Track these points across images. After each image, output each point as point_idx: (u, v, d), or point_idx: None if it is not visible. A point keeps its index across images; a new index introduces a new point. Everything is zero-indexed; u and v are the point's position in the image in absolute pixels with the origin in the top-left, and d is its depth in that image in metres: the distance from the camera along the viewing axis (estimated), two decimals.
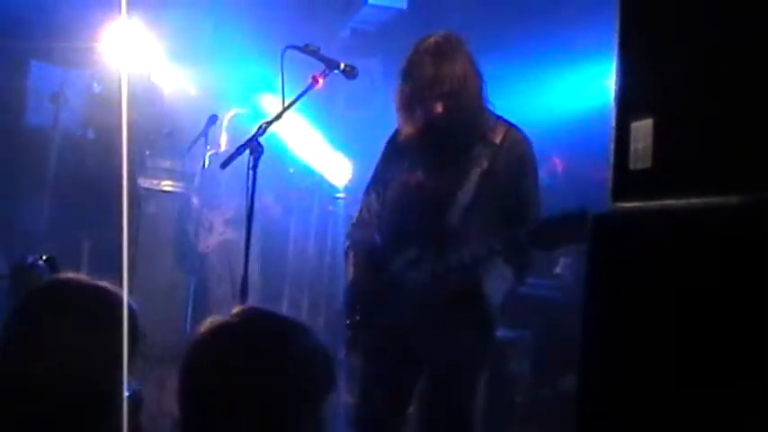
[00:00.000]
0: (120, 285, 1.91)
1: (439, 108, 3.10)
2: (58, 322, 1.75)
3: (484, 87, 3.21)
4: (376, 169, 3.49)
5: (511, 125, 3.26)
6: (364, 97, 7.34)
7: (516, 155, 3.21)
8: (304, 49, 3.65)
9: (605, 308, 1.43)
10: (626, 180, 1.49)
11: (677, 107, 1.42)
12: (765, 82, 1.26)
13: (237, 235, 6.34)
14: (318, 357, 1.63)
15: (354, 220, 3.51)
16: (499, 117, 3.27)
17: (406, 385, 3.28)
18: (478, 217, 3.13)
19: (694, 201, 1.32)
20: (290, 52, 3.64)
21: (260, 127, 3.45)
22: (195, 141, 5.73)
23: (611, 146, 1.55)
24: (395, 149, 3.39)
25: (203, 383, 1.58)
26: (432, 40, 3.17)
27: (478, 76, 3.19)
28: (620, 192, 1.50)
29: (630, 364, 1.40)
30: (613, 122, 1.55)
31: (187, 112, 7.10)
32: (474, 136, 3.20)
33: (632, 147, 1.48)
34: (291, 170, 6.84)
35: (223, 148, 6.43)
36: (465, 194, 3.14)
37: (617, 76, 1.56)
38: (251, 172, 3.38)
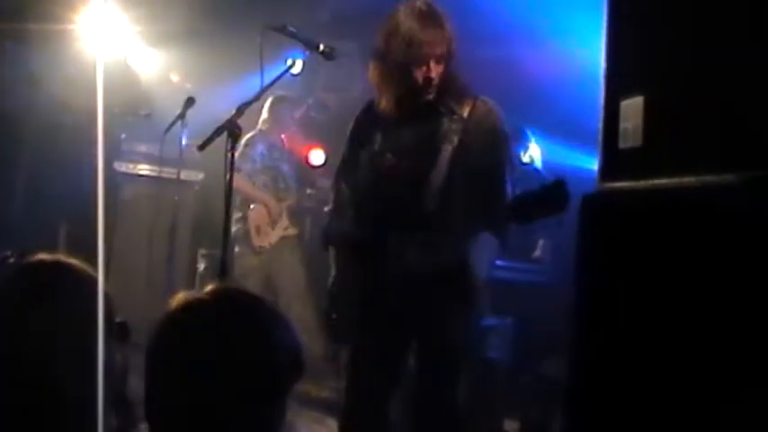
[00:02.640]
0: (97, 271, 1.88)
1: (435, 70, 3.05)
2: (33, 303, 1.72)
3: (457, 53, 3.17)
4: (344, 154, 3.41)
5: (477, 96, 3.20)
6: (343, 81, 7.30)
7: (486, 127, 3.15)
8: (282, 30, 3.60)
9: (596, 291, 1.40)
10: (615, 159, 1.46)
11: (668, 84, 1.40)
12: (758, 59, 1.23)
13: (297, 230, 6.32)
14: (287, 343, 1.60)
15: (329, 210, 3.45)
16: (465, 85, 3.21)
17: (393, 366, 3.26)
18: (455, 196, 3.07)
19: (687, 179, 1.29)
20: (269, 33, 3.59)
21: (237, 108, 3.40)
22: (173, 124, 5.64)
23: (600, 125, 1.51)
24: (362, 131, 3.32)
25: (168, 357, 1.55)
26: (415, 5, 3.11)
27: (456, 40, 3.15)
28: (609, 171, 1.47)
29: (622, 344, 1.38)
30: (602, 101, 1.52)
31: (165, 94, 7.03)
32: (445, 110, 3.14)
33: (622, 125, 1.46)
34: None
35: (261, 129, 6.35)
36: (438, 174, 3.08)
37: (606, 52, 1.53)
38: (228, 154, 3.33)
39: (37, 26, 6.80)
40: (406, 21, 3.07)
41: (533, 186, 3.01)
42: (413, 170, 3.12)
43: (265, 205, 6.32)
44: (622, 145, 1.44)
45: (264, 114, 6.40)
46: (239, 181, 5.76)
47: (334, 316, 3.26)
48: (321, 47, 3.58)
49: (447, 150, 3.09)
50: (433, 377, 3.17)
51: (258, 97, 3.49)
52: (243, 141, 6.29)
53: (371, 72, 3.21)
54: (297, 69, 3.76)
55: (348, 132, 3.40)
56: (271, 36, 3.65)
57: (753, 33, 1.25)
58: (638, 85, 1.45)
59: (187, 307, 1.58)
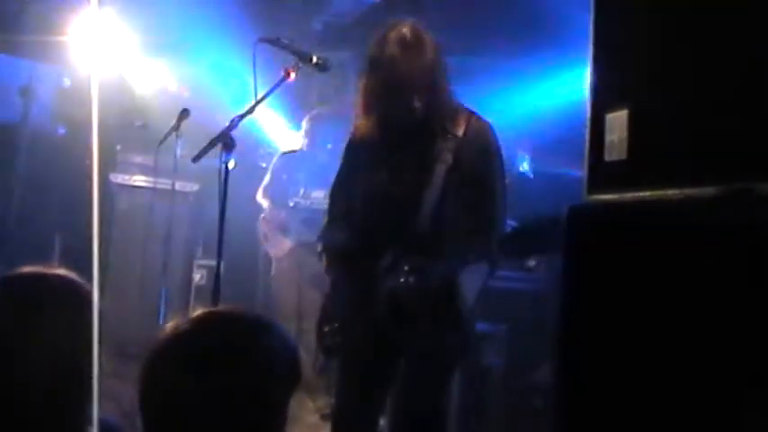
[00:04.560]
0: (92, 282, 1.89)
1: (415, 103, 3.01)
2: (21, 316, 1.73)
3: (448, 75, 3.13)
4: (340, 168, 3.40)
5: (472, 113, 3.15)
6: (337, 91, 7.32)
7: (480, 146, 3.11)
8: (275, 43, 3.62)
9: (581, 301, 1.42)
10: (601, 172, 1.48)
11: (652, 98, 1.42)
12: (740, 73, 1.25)
13: (314, 236, 6.30)
14: (281, 357, 1.61)
15: (325, 221, 3.43)
16: (459, 104, 3.16)
17: (380, 382, 3.23)
18: (447, 218, 3.03)
19: (671, 192, 1.31)
20: (262, 45, 3.62)
21: (232, 121, 3.42)
22: (167, 135, 5.67)
23: (586, 137, 1.54)
24: (357, 147, 3.29)
25: (160, 395, 1.56)
26: (400, 30, 3.05)
27: (444, 64, 3.11)
28: (595, 183, 1.49)
29: (608, 355, 1.40)
30: (588, 114, 1.55)
31: (159, 105, 7.04)
32: (438, 129, 3.09)
33: (607, 138, 1.48)
34: (264, 165, 6.81)
35: (304, 146, 6.46)
36: (431, 195, 3.03)
37: (592, 66, 1.56)
38: (223, 166, 3.34)
39: (31, 38, 6.82)
40: (388, 48, 3.03)
41: (525, 193, 3.03)
42: (406, 190, 3.08)
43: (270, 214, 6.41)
44: (608, 158, 1.46)
45: (302, 133, 6.47)
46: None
47: (326, 329, 3.24)
48: (314, 59, 3.60)
49: (440, 170, 3.05)
50: (418, 396, 3.15)
51: (252, 109, 3.50)
52: (275, 158, 6.44)
53: (360, 90, 3.17)
54: (291, 80, 3.78)
55: (347, 142, 3.37)
56: (264, 47, 3.67)
57: (734, 49, 1.27)
58: (623, 98, 1.47)
59: (174, 337, 1.58)
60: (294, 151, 6.53)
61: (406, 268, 2.99)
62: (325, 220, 3.46)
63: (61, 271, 1.87)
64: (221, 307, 2.07)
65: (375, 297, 3.04)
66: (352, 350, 3.21)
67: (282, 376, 1.60)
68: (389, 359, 3.21)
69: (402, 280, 2.99)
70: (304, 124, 6.47)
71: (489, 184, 3.10)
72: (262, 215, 6.47)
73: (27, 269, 1.87)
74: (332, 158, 6.41)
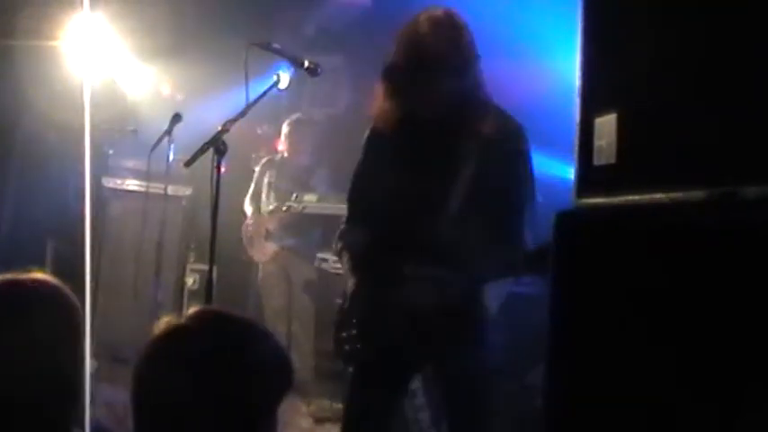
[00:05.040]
0: (84, 287, 1.89)
1: (444, 86, 2.84)
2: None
3: (480, 66, 2.93)
4: (361, 163, 3.19)
5: (503, 112, 2.95)
6: (329, 95, 7.34)
7: (509, 151, 2.92)
8: (267, 47, 3.64)
9: (570, 304, 1.43)
10: (590, 176, 1.49)
11: (641, 102, 1.43)
12: (728, 77, 1.26)
13: (295, 242, 6.32)
14: (273, 361, 1.62)
15: (344, 219, 3.25)
16: (490, 101, 2.95)
17: (394, 390, 3.17)
18: (471, 224, 2.86)
19: (658, 196, 1.32)
20: (254, 50, 3.63)
21: (223, 125, 3.43)
22: (160, 140, 5.68)
23: (575, 141, 1.55)
24: (377, 140, 3.09)
25: (155, 388, 1.56)
26: (434, 12, 2.88)
27: (477, 53, 2.92)
28: (584, 187, 1.50)
29: (598, 359, 1.41)
30: (577, 118, 1.56)
31: (151, 110, 7.05)
32: (465, 125, 2.90)
33: (596, 143, 1.49)
34: (255, 169, 6.83)
35: (285, 151, 6.53)
36: (455, 201, 2.88)
37: (580, 70, 1.56)
38: (215, 170, 3.35)
39: (23, 43, 6.81)
40: (418, 27, 2.86)
41: None
42: (428, 195, 2.93)
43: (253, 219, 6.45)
44: (597, 162, 1.47)
45: (282, 139, 6.51)
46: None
47: (344, 335, 3.07)
48: (306, 63, 3.61)
49: (465, 175, 2.89)
50: (468, 408, 3.06)
51: (244, 114, 3.51)
52: (258, 166, 6.50)
53: (386, 75, 2.95)
54: (283, 85, 3.79)
55: (366, 137, 3.18)
56: (256, 52, 3.68)
57: (722, 54, 1.28)
58: (611, 102, 1.48)
59: (170, 333, 1.59)
60: (275, 157, 6.58)
61: (426, 279, 2.86)
62: (343, 219, 3.26)
63: (38, 275, 1.85)
64: (216, 306, 2.07)
65: (395, 306, 2.92)
66: (369, 357, 3.06)
67: (275, 380, 1.61)
68: (405, 369, 3.15)
69: (423, 292, 2.86)
70: (284, 129, 6.51)
71: (516, 193, 2.94)
72: (246, 222, 6.51)
73: (1, 276, 1.85)
74: (312, 163, 6.47)
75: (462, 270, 2.84)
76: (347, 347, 3.07)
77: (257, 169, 6.62)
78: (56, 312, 1.77)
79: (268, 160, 6.64)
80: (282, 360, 1.65)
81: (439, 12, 2.90)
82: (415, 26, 2.89)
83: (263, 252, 6.44)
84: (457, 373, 3.00)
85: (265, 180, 6.51)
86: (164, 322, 1.61)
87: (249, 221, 6.52)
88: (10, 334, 1.72)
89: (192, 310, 1.65)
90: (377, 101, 3.02)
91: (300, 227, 6.24)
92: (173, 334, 1.58)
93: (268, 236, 6.40)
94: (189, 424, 1.51)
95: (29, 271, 1.86)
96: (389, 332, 2.96)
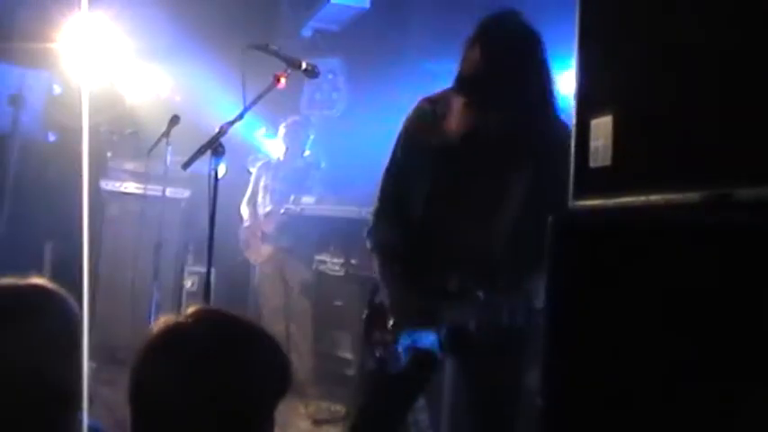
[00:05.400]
0: (81, 289, 1.89)
1: (516, 100, 2.72)
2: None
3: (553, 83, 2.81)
4: (394, 156, 3.00)
5: (564, 127, 2.55)
6: (326, 97, 7.35)
7: (565, 169, 2.79)
8: (264, 49, 3.64)
9: (566, 306, 1.44)
10: (586, 178, 1.50)
11: (636, 104, 1.44)
12: (723, 78, 1.27)
13: (291, 243, 6.32)
14: (271, 361, 1.62)
15: (375, 208, 3.04)
16: (553, 115, 2.80)
17: (415, 392, 3.12)
18: (522, 244, 2.72)
19: (654, 198, 1.33)
20: (252, 51, 3.63)
21: (221, 127, 3.43)
22: (158, 142, 5.69)
23: (572, 143, 1.55)
24: (420, 136, 2.92)
25: (152, 385, 1.56)
26: (509, 19, 2.76)
27: (549, 65, 2.80)
28: (580, 189, 1.51)
29: (594, 361, 1.41)
30: (573, 120, 1.56)
31: (150, 112, 7.05)
32: (525, 140, 2.77)
33: (592, 144, 1.49)
34: (251, 169, 6.85)
35: (279, 155, 6.55)
36: (507, 217, 2.76)
37: (577, 72, 1.57)
38: (212, 173, 3.36)
39: (21, 45, 6.81)
40: (489, 38, 2.75)
41: None
42: (478, 207, 2.81)
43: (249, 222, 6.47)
44: (593, 164, 1.47)
45: (280, 142, 6.53)
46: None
47: (377, 337, 2.94)
48: (303, 65, 3.61)
49: (519, 190, 2.76)
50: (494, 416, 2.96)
51: (242, 116, 3.51)
52: (254, 169, 6.53)
53: (466, 75, 2.80)
54: (281, 87, 3.78)
55: (402, 132, 3.00)
56: (254, 54, 3.68)
57: (717, 57, 1.29)
58: (607, 104, 1.49)
59: (168, 331, 1.59)
60: (271, 160, 6.61)
61: (474, 300, 2.74)
62: (374, 209, 3.08)
63: (38, 280, 1.85)
64: (216, 305, 2.07)
65: (433, 319, 2.80)
66: (403, 369, 2.89)
67: (273, 380, 1.62)
68: (430, 373, 3.06)
69: (469, 313, 2.75)
70: (280, 131, 6.54)
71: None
72: (243, 224, 6.54)
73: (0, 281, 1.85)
74: (308, 165, 6.48)
75: (512, 289, 2.73)
76: (381, 351, 2.93)
77: (253, 172, 6.64)
78: (54, 318, 1.77)
79: (264, 163, 6.66)
80: (281, 360, 1.65)
81: (511, 18, 2.80)
82: (486, 36, 2.77)
83: (260, 254, 6.46)
84: (492, 384, 2.91)
85: (262, 183, 6.52)
86: (162, 320, 1.61)
87: (246, 224, 6.54)
88: (8, 339, 1.72)
89: (190, 308, 1.65)
90: (453, 110, 2.86)
91: (297, 229, 6.25)
92: (170, 332, 1.58)
93: (264, 238, 6.41)
94: (185, 422, 1.51)
95: (27, 276, 1.86)
96: (430, 345, 2.84)
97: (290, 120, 6.58)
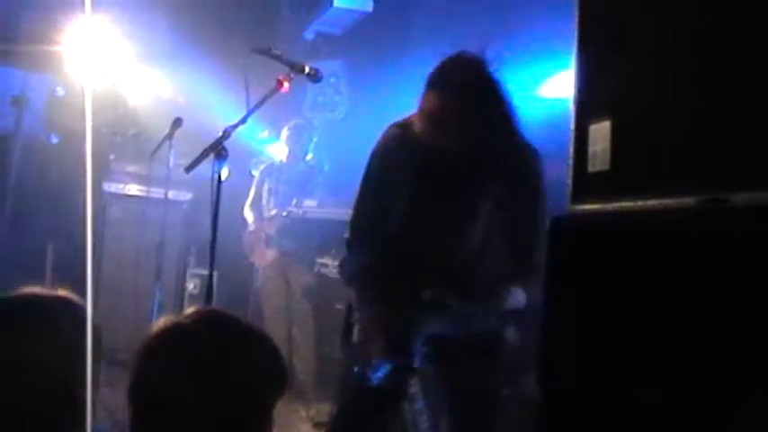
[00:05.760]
0: (84, 291, 1.90)
1: (485, 128, 2.86)
2: (15, 339, 1.73)
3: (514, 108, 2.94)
4: (368, 177, 3.12)
5: (528, 148, 2.97)
6: (329, 100, 7.36)
7: (531, 184, 2.94)
8: (267, 53, 3.65)
9: (564, 309, 1.45)
10: (584, 182, 1.51)
11: (634, 109, 1.45)
12: (720, 84, 1.28)
13: (293, 246, 6.32)
14: (268, 362, 1.63)
15: (347, 241, 3.16)
16: (516, 137, 2.94)
17: (395, 401, 3.15)
18: (490, 256, 2.90)
19: (651, 202, 1.34)
20: (254, 55, 3.64)
21: (224, 130, 3.44)
22: (160, 145, 5.69)
23: (570, 148, 1.57)
24: (392, 159, 3.04)
25: (152, 385, 1.57)
26: (478, 62, 2.88)
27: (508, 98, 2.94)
28: (578, 194, 1.52)
29: (592, 364, 1.42)
30: (572, 125, 1.57)
31: (153, 114, 7.07)
32: (491, 160, 2.91)
33: (590, 149, 1.50)
34: (254, 172, 6.85)
35: (283, 157, 6.53)
36: (477, 231, 2.90)
37: (576, 77, 1.58)
38: (215, 176, 3.37)
39: (24, 47, 6.83)
40: (465, 73, 2.87)
41: None
42: (449, 222, 2.95)
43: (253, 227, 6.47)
44: (591, 169, 1.49)
45: (282, 144, 6.52)
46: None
47: (355, 351, 3.03)
48: (306, 69, 3.62)
49: (486, 205, 2.92)
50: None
51: (245, 119, 3.52)
52: (257, 172, 6.52)
53: (440, 104, 2.91)
54: (284, 90, 3.78)
55: (373, 154, 3.12)
56: (257, 57, 3.69)
57: (714, 63, 1.30)
58: (605, 109, 1.50)
59: (167, 331, 1.60)
60: (275, 162, 6.60)
61: (448, 309, 2.85)
62: (349, 227, 3.19)
63: (62, 292, 1.86)
64: (216, 307, 2.08)
65: (409, 331, 2.90)
66: (381, 382, 2.96)
67: (271, 381, 1.62)
68: (405, 386, 3.11)
69: (444, 322, 2.86)
70: (283, 134, 6.53)
71: (535, 225, 2.92)
72: (248, 228, 6.53)
73: (25, 290, 1.86)
74: (311, 168, 6.49)
75: (484, 297, 2.85)
76: (356, 369, 3.00)
77: (256, 175, 6.64)
78: (75, 330, 1.77)
79: (267, 166, 6.66)
80: (278, 362, 1.66)
81: (478, 61, 2.90)
82: (461, 71, 2.88)
83: (264, 258, 6.45)
84: (472, 388, 3.01)
85: (265, 186, 6.52)
86: (161, 321, 1.62)
87: (250, 228, 6.53)
88: (27, 346, 1.73)
89: (189, 309, 1.66)
90: (414, 126, 2.97)
91: (299, 232, 6.26)
92: (169, 332, 1.59)
93: (268, 241, 6.41)
94: (184, 422, 1.52)
95: (55, 289, 1.87)
96: (404, 356, 2.93)
97: (292, 122, 6.58)
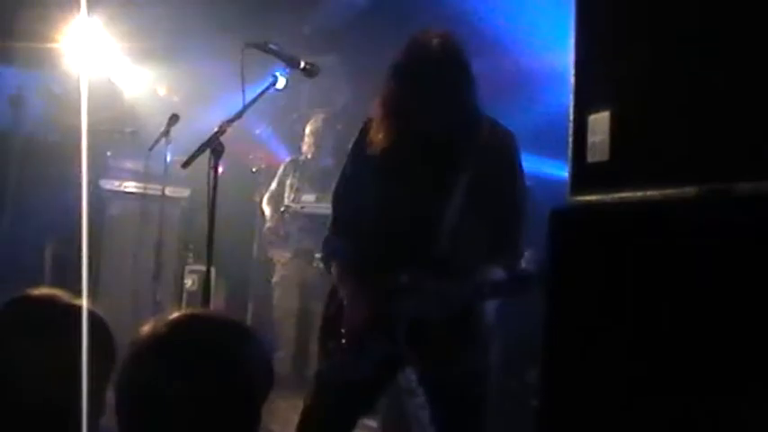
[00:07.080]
0: (81, 289, 1.89)
1: (444, 117, 2.89)
2: (20, 344, 1.72)
3: (477, 84, 2.97)
4: (346, 171, 3.16)
5: (495, 123, 2.99)
6: (326, 96, 7.33)
7: (503, 159, 2.97)
8: (263, 47, 3.63)
9: (565, 302, 1.44)
10: (584, 173, 1.50)
11: (633, 99, 1.43)
12: (719, 73, 1.27)
13: (313, 244, 6.19)
14: (254, 361, 1.62)
15: (330, 226, 3.19)
16: (482, 113, 2.98)
17: (373, 394, 3.17)
18: (468, 234, 2.89)
19: (651, 193, 1.33)
20: (251, 50, 3.63)
21: (220, 126, 3.43)
22: (157, 141, 5.69)
23: (569, 139, 1.55)
24: (368, 150, 3.03)
25: (135, 395, 1.57)
26: (434, 42, 2.90)
27: (473, 74, 2.96)
28: (578, 185, 1.51)
29: (593, 357, 1.41)
30: (571, 115, 1.56)
31: (150, 111, 7.05)
32: (460, 140, 2.93)
33: (590, 140, 1.49)
34: (254, 170, 6.82)
35: (308, 152, 6.45)
36: (451, 211, 2.89)
37: (574, 68, 1.57)
38: (212, 171, 3.35)
39: (21, 45, 6.82)
40: (429, 50, 2.90)
41: None
42: (423, 204, 2.95)
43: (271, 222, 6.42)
44: (590, 159, 1.47)
45: (306, 138, 6.45)
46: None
47: (331, 345, 3.01)
48: (302, 64, 3.61)
49: (461, 184, 2.91)
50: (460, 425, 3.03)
51: (241, 114, 3.51)
52: (282, 166, 6.45)
53: (384, 99, 2.99)
54: (280, 85, 3.77)
55: (350, 146, 3.17)
56: (253, 52, 3.67)
57: (715, 51, 1.29)
58: (605, 99, 1.49)
59: (155, 334, 1.59)
60: (299, 157, 6.53)
61: (426, 291, 2.85)
62: (328, 224, 3.23)
63: (79, 300, 1.86)
64: (199, 310, 2.08)
65: (390, 317, 2.89)
66: (361, 373, 2.96)
67: (257, 381, 1.62)
68: (388, 375, 3.13)
69: (423, 304, 2.86)
70: (308, 128, 6.44)
71: (512, 200, 2.98)
72: (266, 225, 6.47)
73: (38, 292, 1.85)
74: (334, 164, 6.43)
75: (460, 278, 2.86)
76: (336, 359, 3.00)
77: (280, 169, 6.54)
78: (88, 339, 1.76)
79: (292, 161, 6.56)
80: (266, 360, 1.65)
81: (444, 34, 2.94)
82: (425, 48, 2.92)
83: (283, 254, 6.41)
84: (451, 377, 2.96)
85: (288, 180, 6.44)
86: (147, 326, 1.61)
87: (268, 224, 6.46)
88: (37, 353, 1.72)
89: (174, 313, 1.65)
90: (378, 114, 3.02)
91: (316, 230, 6.24)
92: (154, 337, 1.58)
93: (287, 238, 6.37)
94: (168, 422, 1.52)
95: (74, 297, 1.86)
96: (386, 343, 2.92)
97: (319, 116, 6.49)
